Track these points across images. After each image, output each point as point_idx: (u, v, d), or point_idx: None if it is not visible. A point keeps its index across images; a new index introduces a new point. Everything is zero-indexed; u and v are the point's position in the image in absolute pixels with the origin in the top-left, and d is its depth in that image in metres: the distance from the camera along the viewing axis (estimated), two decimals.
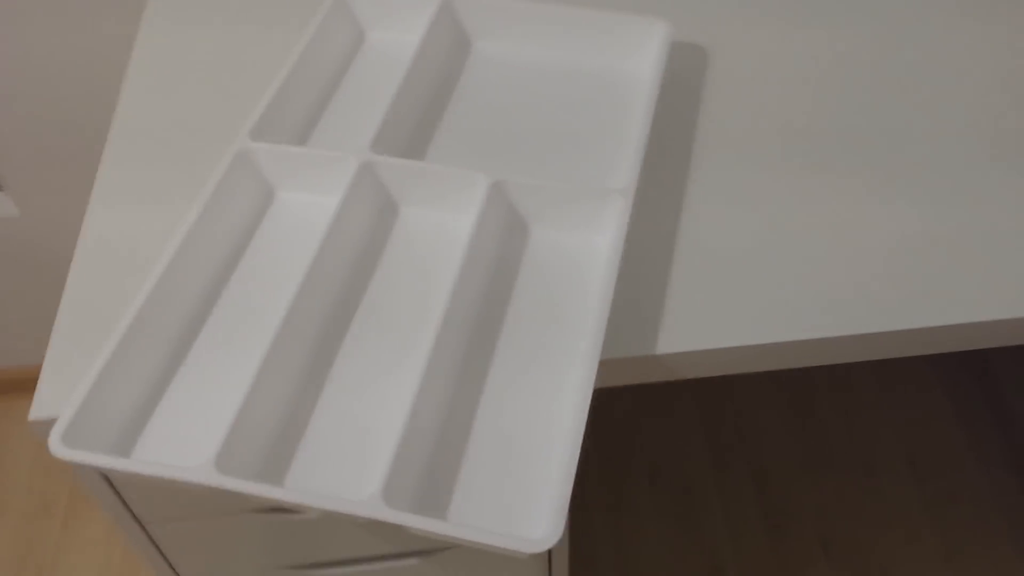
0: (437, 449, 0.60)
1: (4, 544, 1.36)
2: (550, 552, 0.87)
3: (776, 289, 0.69)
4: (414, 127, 0.79)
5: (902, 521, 1.34)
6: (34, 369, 1.48)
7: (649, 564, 1.31)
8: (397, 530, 0.78)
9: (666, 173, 0.77)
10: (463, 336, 0.65)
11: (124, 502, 0.72)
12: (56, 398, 0.64)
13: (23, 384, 1.50)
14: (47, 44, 1.05)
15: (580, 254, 0.70)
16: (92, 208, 0.75)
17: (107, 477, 0.69)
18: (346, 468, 0.59)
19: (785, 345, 0.66)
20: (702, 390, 1.50)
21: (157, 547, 0.78)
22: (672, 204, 0.74)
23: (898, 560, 1.30)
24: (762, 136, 0.80)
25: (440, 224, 0.72)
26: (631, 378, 0.67)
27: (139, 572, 1.33)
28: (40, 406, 0.63)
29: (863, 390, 1.48)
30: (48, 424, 0.63)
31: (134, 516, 0.74)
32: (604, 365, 0.65)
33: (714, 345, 0.65)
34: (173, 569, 0.81)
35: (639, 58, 0.84)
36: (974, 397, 1.47)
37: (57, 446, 0.55)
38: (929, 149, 0.78)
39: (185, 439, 0.60)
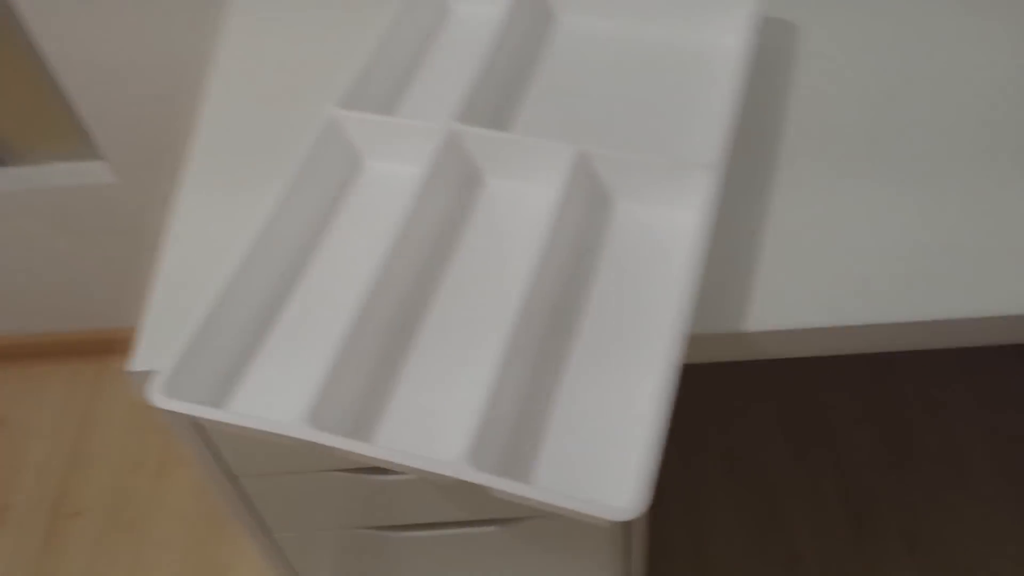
0: (521, 417, 0.61)
1: (98, 497, 1.43)
2: (629, 529, 0.87)
3: (864, 271, 0.67)
4: (499, 99, 0.80)
5: (990, 521, 1.30)
6: (127, 331, 1.54)
7: (726, 551, 1.30)
8: (479, 495, 0.80)
9: (754, 150, 0.76)
10: (547, 306, 0.66)
11: (216, 456, 0.75)
12: (154, 353, 0.67)
13: (117, 345, 1.56)
14: (146, 20, 1.09)
15: (666, 228, 0.69)
16: (188, 172, 0.78)
17: (201, 430, 0.72)
18: (432, 430, 0.61)
19: (872, 328, 0.65)
20: (783, 378, 1.47)
21: (247, 501, 0.81)
22: (760, 181, 0.73)
23: (986, 562, 1.26)
24: (853, 117, 0.78)
25: (524, 195, 0.73)
26: (718, 355, 0.66)
27: (226, 528, 1.38)
28: (140, 359, 0.66)
29: (951, 386, 1.44)
30: (147, 377, 0.66)
31: (225, 470, 0.77)
32: (691, 340, 0.64)
33: (800, 325, 0.64)
34: (261, 523, 0.85)
35: (727, 33, 0.82)
36: None
37: (158, 396, 0.58)
38: None
39: (279, 395, 0.63)
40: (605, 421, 0.60)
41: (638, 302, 0.65)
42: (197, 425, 0.72)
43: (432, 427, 0.61)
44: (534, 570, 0.94)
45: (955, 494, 1.33)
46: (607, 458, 0.59)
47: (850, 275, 0.67)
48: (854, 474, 1.35)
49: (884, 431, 1.40)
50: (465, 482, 0.54)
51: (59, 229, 1.35)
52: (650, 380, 0.62)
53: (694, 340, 0.65)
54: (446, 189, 0.72)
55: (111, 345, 1.56)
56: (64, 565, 1.36)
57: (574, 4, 0.85)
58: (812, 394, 1.45)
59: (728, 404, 1.45)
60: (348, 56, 0.86)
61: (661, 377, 0.57)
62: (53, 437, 1.50)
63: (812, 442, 1.39)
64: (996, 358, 1.47)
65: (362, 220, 0.72)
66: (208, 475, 0.77)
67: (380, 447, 0.55)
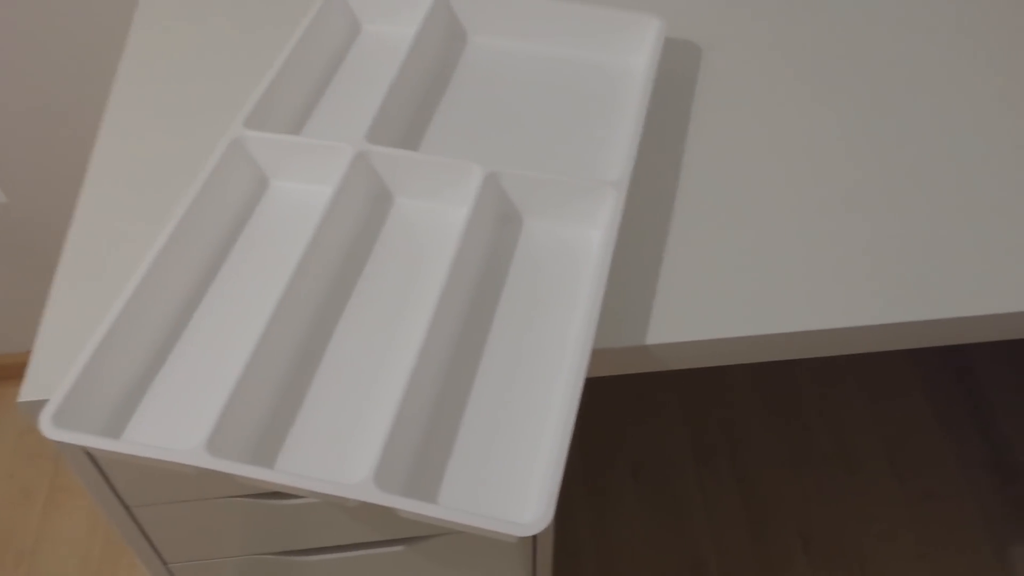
0: (428, 435, 0.61)
1: None
2: (535, 541, 0.88)
3: (764, 283, 0.69)
4: (409, 118, 0.79)
5: (881, 518, 1.36)
6: (18, 356, 1.47)
7: (631, 557, 1.32)
8: (385, 515, 0.79)
9: (659, 167, 0.78)
10: (455, 324, 0.65)
11: (111, 485, 0.72)
12: (46, 381, 0.64)
13: (5, 371, 1.49)
14: (38, 31, 1.04)
15: (573, 246, 0.70)
16: (85, 192, 0.75)
17: (94, 460, 0.69)
18: (336, 453, 0.60)
19: (772, 337, 0.67)
20: (686, 387, 1.51)
21: (142, 531, 0.78)
22: (664, 198, 0.75)
23: (876, 557, 1.32)
24: (754, 133, 0.81)
25: (434, 214, 0.72)
26: (621, 368, 0.67)
27: (120, 560, 1.33)
28: (31, 388, 0.63)
29: (845, 390, 1.50)
30: (38, 406, 0.63)
31: (120, 499, 0.74)
32: (595, 355, 0.65)
33: (702, 336, 0.66)
34: (157, 553, 0.82)
35: (633, 53, 0.84)
36: (955, 397, 1.49)
37: (48, 427, 0.55)
38: (935, 142, 0.79)
39: (176, 423, 0.61)
40: (512, 436, 0.60)
41: (545, 318, 0.66)
42: (90, 455, 0.69)
43: (338, 450, 0.60)
44: None
45: (848, 492, 1.38)
46: (513, 473, 0.59)
47: (745, 289, 0.69)
48: (753, 479, 1.39)
49: (781, 435, 1.45)
50: (371, 504, 0.53)
51: None
52: (556, 394, 0.62)
53: (598, 354, 0.66)
54: (355, 208, 0.71)
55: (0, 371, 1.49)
56: None
57: (485, 25, 0.86)
58: (714, 400, 1.49)
59: (632, 414, 1.48)
60: (255, 73, 0.85)
61: (565, 391, 0.58)
62: None
63: (713, 449, 1.43)
64: (887, 361, 1.54)
65: (268, 240, 0.71)
66: (101, 506, 0.74)
67: (282, 472, 0.54)
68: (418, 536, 0.83)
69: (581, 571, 1.31)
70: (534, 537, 0.87)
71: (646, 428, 1.46)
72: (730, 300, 0.68)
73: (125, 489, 0.72)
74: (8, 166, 1.18)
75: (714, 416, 1.47)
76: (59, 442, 0.65)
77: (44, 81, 1.09)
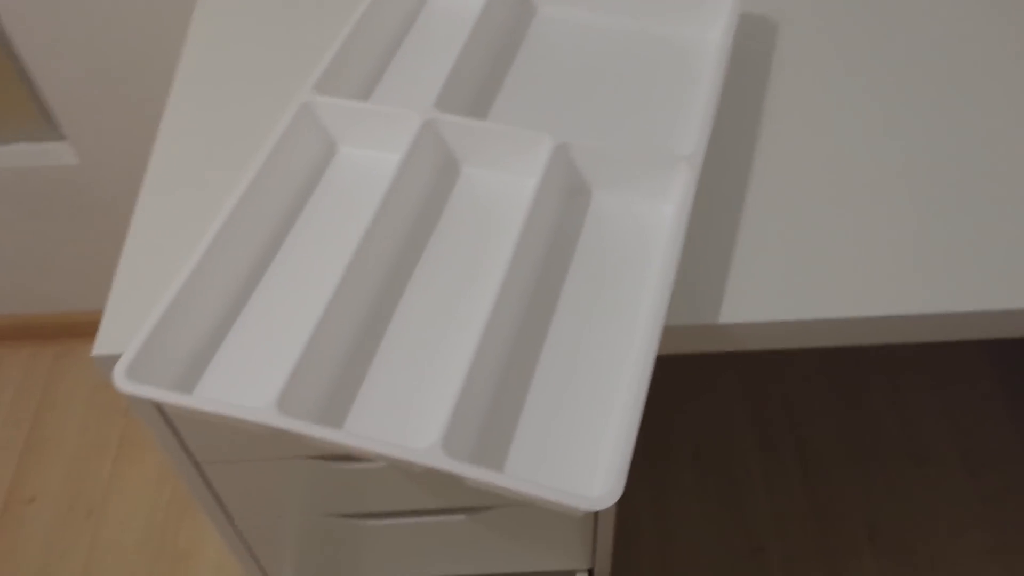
0: (494, 405, 0.60)
1: (57, 482, 1.40)
2: (596, 519, 0.87)
3: (842, 264, 0.67)
4: (477, 87, 0.79)
5: (951, 513, 1.32)
6: (90, 314, 1.51)
7: (690, 541, 1.31)
8: (449, 483, 0.79)
9: (731, 143, 0.76)
10: (523, 295, 0.65)
11: (181, 441, 0.74)
12: (119, 337, 0.65)
13: (79, 328, 1.53)
14: None
15: (643, 220, 0.69)
16: (156, 153, 0.76)
17: (165, 415, 0.71)
18: (402, 419, 0.60)
19: (848, 322, 0.65)
20: (749, 370, 1.49)
21: (210, 487, 0.80)
22: (736, 175, 0.73)
23: (945, 553, 1.29)
24: (831, 111, 0.78)
25: (501, 184, 0.72)
26: (691, 346, 0.66)
27: (186, 513, 1.36)
28: (104, 343, 0.65)
29: (915, 379, 1.46)
30: (111, 360, 0.64)
31: (190, 455, 0.75)
32: (665, 332, 0.64)
33: (777, 317, 0.65)
34: (224, 509, 0.83)
35: (708, 27, 0.82)
36: None
37: (122, 380, 0.57)
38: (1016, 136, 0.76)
39: (244, 382, 0.62)
40: (578, 410, 0.60)
41: (615, 292, 0.65)
42: (161, 410, 0.70)
43: (404, 415, 0.60)
44: (502, 557, 0.94)
45: (916, 485, 1.35)
46: (580, 447, 0.59)
47: (822, 269, 0.67)
48: (817, 466, 1.37)
49: (847, 422, 1.42)
50: (438, 470, 0.53)
51: (19, 210, 1.32)
52: (624, 370, 0.61)
53: (669, 331, 0.65)
54: (422, 176, 0.71)
55: (70, 328, 1.53)
56: (19, 551, 1.33)
57: None
58: (778, 385, 1.46)
59: (695, 394, 1.46)
60: (324, 40, 0.85)
61: (637, 367, 0.57)
62: (10, 420, 1.47)
63: (777, 432, 1.41)
64: (959, 351, 1.49)
65: (336, 206, 0.71)
66: (171, 461, 0.75)
67: (352, 434, 0.54)
68: (480, 506, 0.84)
69: (638, 553, 1.31)
70: (595, 515, 0.87)
71: (706, 408, 1.44)
72: (806, 281, 0.67)
73: (195, 445, 0.74)
74: (79, 128, 1.21)
75: (776, 398, 1.45)
76: (131, 396, 0.67)
77: (114, 44, 1.11)
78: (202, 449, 0.75)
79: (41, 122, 1.24)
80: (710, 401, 1.45)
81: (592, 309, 0.65)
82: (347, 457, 0.77)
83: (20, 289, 1.46)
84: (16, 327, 1.52)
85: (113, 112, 1.19)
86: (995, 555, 1.28)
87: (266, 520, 0.86)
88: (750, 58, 0.82)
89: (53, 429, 1.46)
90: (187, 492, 1.38)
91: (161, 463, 1.42)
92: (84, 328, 1.53)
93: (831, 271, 0.67)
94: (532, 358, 0.63)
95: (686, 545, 1.30)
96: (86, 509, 1.37)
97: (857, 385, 1.46)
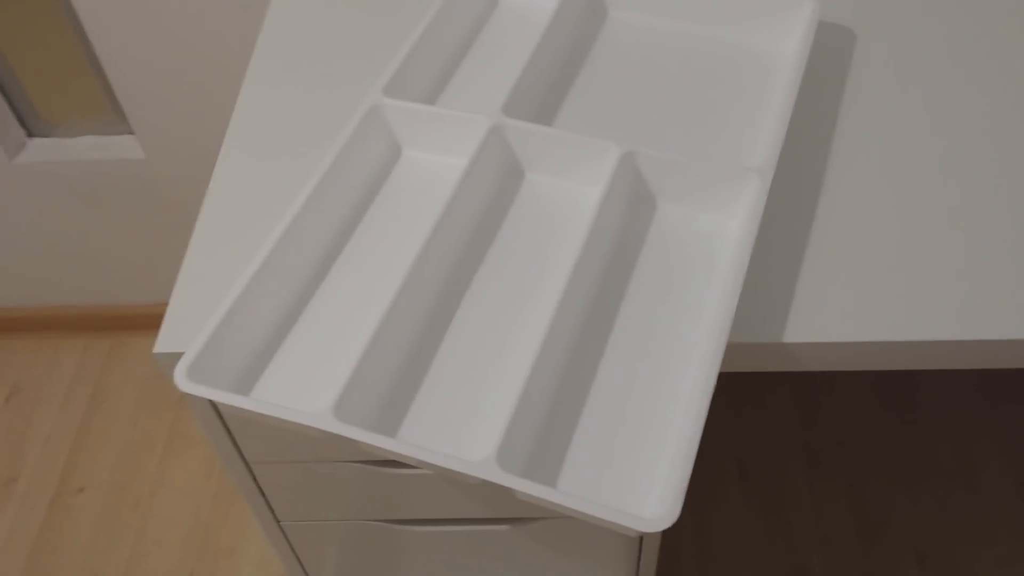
0: (549, 419, 0.59)
1: (106, 473, 1.42)
2: (642, 536, 0.86)
3: (911, 287, 0.65)
4: (544, 93, 0.78)
5: (1003, 540, 1.28)
6: (145, 307, 1.53)
7: (733, 559, 1.28)
8: (498, 494, 0.78)
9: (801, 157, 0.74)
10: (583, 306, 0.64)
11: (234, 441, 0.74)
12: (181, 333, 0.65)
13: (134, 321, 1.55)
14: None
15: (708, 233, 0.68)
16: (224, 153, 0.77)
17: (220, 415, 0.71)
18: (455, 429, 0.59)
19: (914, 345, 0.63)
20: (799, 386, 1.45)
21: (259, 487, 0.80)
22: (806, 190, 0.71)
23: None
24: (908, 127, 0.76)
25: (566, 192, 0.71)
26: (753, 365, 0.64)
27: (231, 509, 1.37)
28: (166, 340, 0.65)
29: (968, 403, 1.42)
30: (172, 357, 0.64)
31: (241, 455, 0.75)
32: (727, 349, 0.63)
33: (840, 339, 0.62)
34: (271, 510, 0.83)
35: (783, 35, 0.80)
36: None
37: (183, 380, 0.57)
38: None
39: (301, 386, 0.61)
40: (635, 427, 0.59)
41: (676, 307, 0.64)
42: (216, 409, 0.70)
43: (458, 425, 0.59)
44: (544, 570, 0.93)
45: (967, 511, 1.31)
46: (634, 465, 0.57)
47: (891, 290, 0.65)
48: (866, 486, 1.33)
49: (899, 444, 1.38)
50: (491, 483, 0.52)
51: (83, 203, 1.34)
52: (684, 387, 0.60)
53: (730, 349, 0.63)
54: (486, 181, 0.70)
55: (127, 321, 1.55)
56: (66, 539, 1.35)
57: (626, 0, 0.83)
58: (828, 403, 1.43)
59: (742, 411, 1.43)
60: (392, 45, 0.85)
61: (697, 384, 0.55)
62: (63, 410, 1.49)
63: (825, 452, 1.38)
64: (1018, 375, 1.44)
65: (399, 209, 0.71)
66: (223, 460, 0.76)
67: (406, 444, 0.53)
68: (525, 517, 0.83)
69: (680, 566, 1.28)
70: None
71: (753, 424, 1.41)
72: (872, 302, 0.64)
73: (247, 446, 0.74)
74: (146, 124, 1.22)
75: (826, 415, 1.41)
76: (189, 395, 0.67)
77: (183, 41, 1.12)
78: (254, 449, 0.75)
79: (110, 116, 1.26)
80: (758, 417, 1.42)
81: (652, 322, 0.63)
82: (395, 463, 0.76)
83: (78, 280, 1.49)
84: (72, 318, 1.55)
85: (180, 108, 1.20)
86: None
87: (311, 522, 0.86)
88: (824, 68, 0.80)
89: (104, 421, 1.48)
90: (234, 489, 1.39)
91: (208, 459, 1.43)
92: (139, 321, 1.55)
93: (899, 293, 0.65)
94: (589, 371, 0.61)
95: (729, 564, 1.28)
96: (133, 501, 1.39)
97: (909, 404, 1.42)
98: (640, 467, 0.57)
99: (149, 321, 1.55)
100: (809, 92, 0.79)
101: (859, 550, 1.28)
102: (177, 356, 0.64)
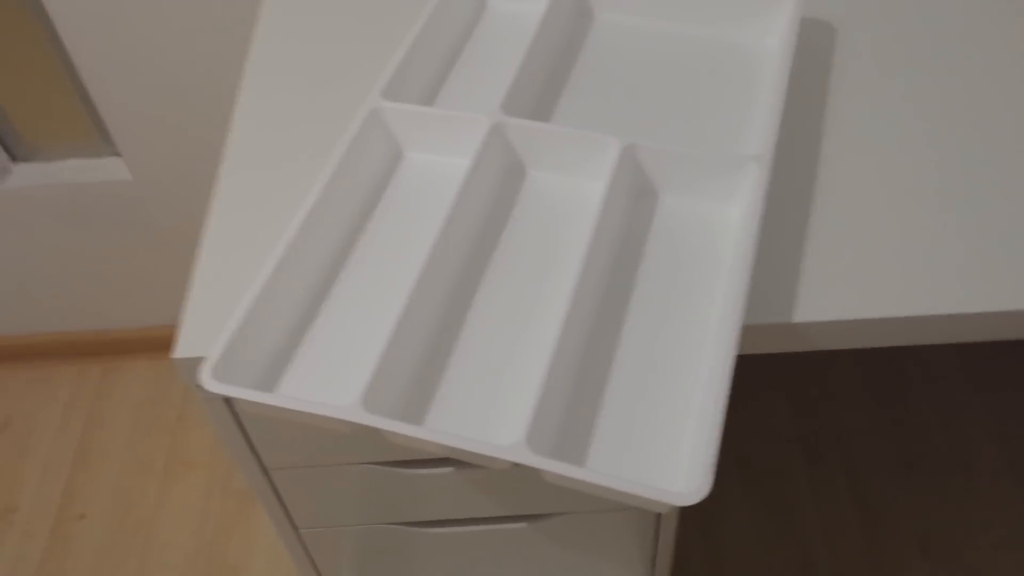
0: (573, 404, 0.60)
1: (106, 499, 1.41)
2: (658, 527, 0.87)
3: (910, 264, 0.67)
4: (539, 93, 0.80)
5: (1001, 523, 1.30)
6: (137, 330, 1.53)
7: (739, 555, 1.30)
8: (517, 488, 0.79)
9: (795, 146, 0.76)
10: (597, 295, 0.65)
11: (251, 446, 0.74)
12: (198, 339, 0.66)
13: (125, 345, 1.55)
14: (170, 15, 1.08)
15: (711, 222, 0.69)
16: (226, 162, 0.78)
17: (238, 419, 0.71)
18: (479, 419, 0.60)
19: (922, 319, 0.65)
20: (792, 381, 1.48)
21: (277, 494, 0.80)
22: (801, 176, 0.73)
23: (997, 564, 1.27)
24: (893, 112, 0.78)
25: (568, 188, 0.72)
26: (763, 346, 0.66)
27: (235, 528, 1.37)
28: (184, 346, 0.65)
29: (957, 388, 1.44)
30: (191, 363, 0.65)
31: (259, 461, 0.76)
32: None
33: (847, 316, 0.64)
34: (289, 517, 0.84)
35: (767, 31, 0.83)
36: None
37: (208, 380, 0.57)
38: None
39: (322, 382, 0.62)
40: (654, 409, 0.60)
41: (687, 292, 0.65)
42: (234, 414, 0.71)
43: (481, 415, 0.60)
44: (559, 569, 0.94)
45: (965, 497, 1.33)
46: (658, 445, 0.58)
47: (891, 267, 0.67)
48: (866, 478, 1.35)
49: (894, 434, 1.40)
50: (518, 469, 0.53)
51: (71, 226, 1.34)
52: (701, 367, 0.61)
53: (743, 330, 0.64)
54: (490, 179, 0.72)
55: (119, 345, 1.55)
56: (69, 567, 1.34)
57: (611, 2, 0.85)
58: (821, 397, 1.45)
59: (737, 407, 1.45)
60: (382, 52, 0.86)
61: (719, 363, 0.57)
62: (59, 438, 1.48)
63: (822, 446, 1.39)
64: (1005, 361, 1.47)
65: (405, 209, 0.72)
66: (241, 467, 0.76)
67: (436, 431, 0.54)
68: (543, 514, 0.84)
69: (692, 568, 1.29)
70: (657, 525, 0.86)
71: (749, 420, 1.43)
72: (876, 279, 0.66)
73: (266, 451, 0.75)
74: (133, 145, 1.23)
75: (821, 408, 1.43)
76: (206, 400, 0.68)
77: (165, 61, 1.13)
78: (272, 454, 0.75)
79: (95, 137, 1.26)
80: (753, 413, 1.44)
81: (663, 309, 0.65)
82: (415, 462, 0.77)
83: (68, 306, 1.48)
84: (64, 344, 1.54)
85: (166, 127, 1.21)
86: None
87: (329, 527, 0.86)
88: (809, 61, 0.83)
89: (101, 446, 1.47)
90: (238, 507, 1.39)
91: (208, 480, 1.42)
92: (131, 345, 1.55)
93: (899, 269, 0.67)
94: (607, 357, 0.63)
95: (736, 561, 1.29)
96: (135, 526, 1.38)
97: (901, 394, 1.44)
98: (664, 446, 0.58)
99: (142, 344, 1.55)
100: (797, 84, 0.81)
101: (863, 541, 1.30)
102: (196, 361, 0.65)
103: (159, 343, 1.54)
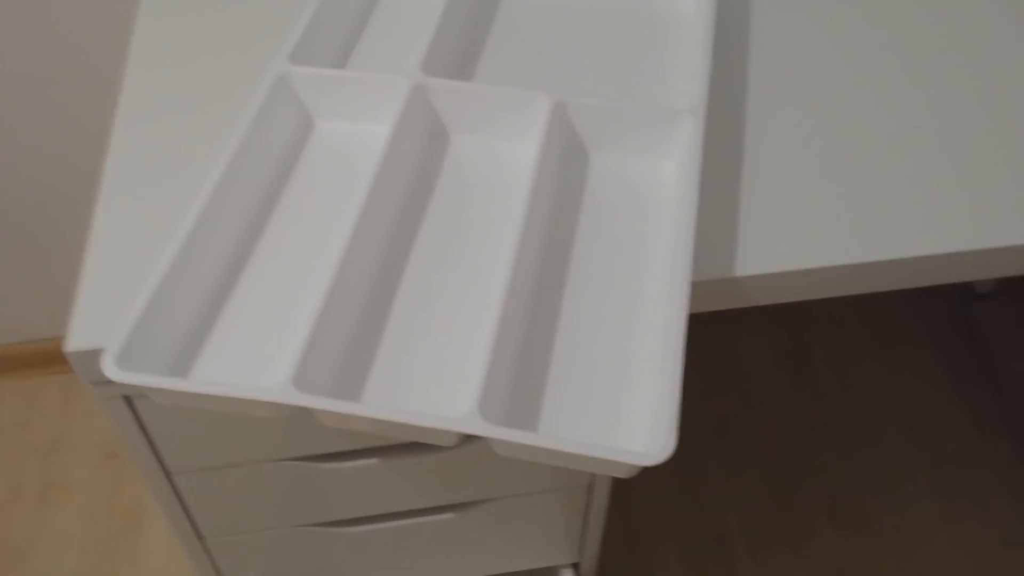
0: (520, 372, 0.57)
1: None
2: (589, 507, 0.84)
3: (845, 210, 0.67)
4: (462, 50, 0.75)
5: (903, 485, 1.34)
6: (11, 347, 1.40)
7: (654, 530, 1.29)
8: (444, 478, 0.74)
9: (721, 99, 0.74)
10: (538, 258, 0.62)
11: (153, 448, 0.67)
12: (94, 330, 0.58)
13: None
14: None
15: (646, 178, 0.67)
16: (114, 141, 0.70)
17: (139, 419, 0.64)
18: (422, 391, 0.55)
19: (864, 266, 0.64)
20: (700, 351, 1.49)
21: (181, 500, 0.73)
22: (731, 129, 0.72)
23: (902, 524, 1.30)
24: (816, 55, 0.78)
25: (497, 149, 0.68)
26: (704, 304, 0.64)
27: (120, 557, 1.26)
28: (78, 337, 0.58)
29: (859, 348, 1.49)
30: (88, 355, 0.58)
31: (162, 464, 0.68)
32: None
33: (789, 267, 0.63)
34: (194, 526, 0.76)
35: None
36: (964, 360, 1.48)
37: (111, 369, 0.50)
38: (983, 64, 0.77)
39: (239, 366, 0.56)
40: (606, 371, 0.57)
41: (629, 251, 0.62)
42: (135, 413, 0.63)
43: (423, 388, 0.55)
44: (487, 558, 0.90)
45: (869, 460, 1.37)
46: (610, 408, 0.55)
47: (829, 215, 0.66)
48: (772, 444, 1.38)
49: (797, 400, 1.43)
50: (457, 451, 0.49)
51: None
52: (650, 328, 0.59)
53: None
54: (413, 145, 0.67)
55: None
56: None
57: None
58: (730, 368, 1.47)
59: None
60: (287, 13, 0.80)
61: (675, 317, 0.54)
62: None
63: (733, 417, 1.41)
64: (901, 316, 1.53)
65: (320, 183, 0.66)
66: (142, 472, 0.68)
67: (385, 407, 0.49)
68: (470, 502, 0.79)
69: (609, 544, 1.28)
70: (588, 504, 0.84)
71: None
72: (816, 229, 0.65)
73: (168, 452, 0.67)
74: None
75: (730, 380, 1.45)
76: (103, 400, 0.60)
77: (35, 63, 1.03)
78: (176, 456, 0.68)
79: None
80: None
81: (605, 269, 0.62)
82: (336, 456, 0.71)
83: None
84: None
85: (26, 129, 1.10)
86: (948, 524, 1.31)
87: (238, 535, 0.79)
88: (726, 12, 0.82)
89: None
90: (139, 516, 1.28)
91: (89, 504, 1.30)
92: (5, 363, 1.41)
93: (836, 216, 0.66)
94: (551, 322, 0.59)
95: (652, 535, 1.29)
96: (9, 557, 1.25)
97: (803, 359, 1.48)
98: (617, 408, 0.55)
99: (5, 364, 1.41)
100: (718, 37, 0.80)
101: (774, 508, 1.32)
102: (92, 354, 0.57)
103: (29, 360, 1.41)
